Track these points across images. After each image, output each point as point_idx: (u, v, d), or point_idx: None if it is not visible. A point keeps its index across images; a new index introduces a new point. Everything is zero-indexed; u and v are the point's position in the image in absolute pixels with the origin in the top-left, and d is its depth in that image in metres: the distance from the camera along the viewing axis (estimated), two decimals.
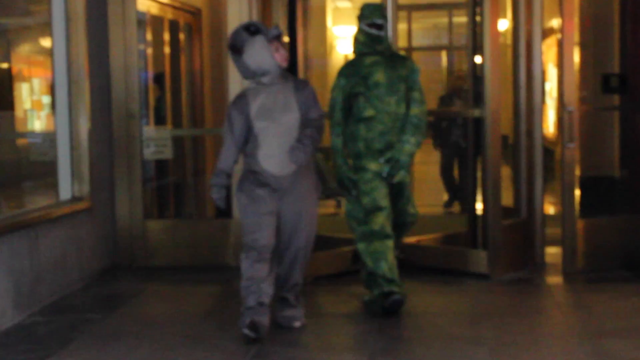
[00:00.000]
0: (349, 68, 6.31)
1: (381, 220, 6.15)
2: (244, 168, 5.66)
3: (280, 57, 5.53)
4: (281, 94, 5.55)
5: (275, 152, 5.52)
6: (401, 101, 6.18)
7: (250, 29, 5.53)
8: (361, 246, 6.22)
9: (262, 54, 5.48)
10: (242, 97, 5.60)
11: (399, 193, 6.33)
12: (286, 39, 7.28)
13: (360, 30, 6.30)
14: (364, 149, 6.21)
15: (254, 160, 5.56)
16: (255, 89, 5.58)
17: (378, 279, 6.11)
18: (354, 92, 6.21)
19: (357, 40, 6.34)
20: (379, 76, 6.17)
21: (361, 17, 6.28)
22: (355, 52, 6.35)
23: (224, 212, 7.46)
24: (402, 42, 9.41)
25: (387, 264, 6.12)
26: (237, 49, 5.51)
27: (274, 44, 5.52)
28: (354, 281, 6.76)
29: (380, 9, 6.30)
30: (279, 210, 5.62)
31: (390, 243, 6.17)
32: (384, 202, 6.18)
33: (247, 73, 5.56)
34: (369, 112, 6.17)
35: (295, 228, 5.66)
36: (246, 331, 5.40)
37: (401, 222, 6.40)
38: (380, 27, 6.23)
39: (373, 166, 6.19)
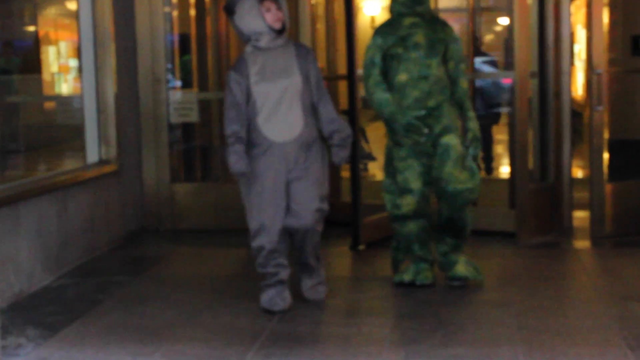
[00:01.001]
0: (387, 27, 5.88)
1: (412, 204, 5.78)
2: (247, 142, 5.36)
3: (272, 18, 5.21)
4: (281, 58, 5.27)
5: (275, 117, 5.24)
6: (441, 64, 5.78)
7: None
8: (395, 225, 5.91)
9: (251, 15, 5.21)
10: (241, 60, 5.32)
11: (443, 156, 5.75)
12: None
13: None
14: (399, 118, 5.74)
15: (253, 128, 5.25)
16: (253, 53, 5.28)
17: (410, 255, 5.91)
18: (390, 53, 5.79)
19: (394, 1, 5.95)
20: (419, 37, 5.76)
21: None
22: (392, 12, 5.97)
23: None
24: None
25: (421, 246, 5.88)
26: (230, 11, 5.28)
27: (266, 4, 5.22)
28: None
29: None
30: (287, 186, 5.30)
31: (425, 223, 5.86)
32: (416, 183, 5.77)
33: (243, 36, 5.31)
34: (401, 77, 5.75)
35: (304, 204, 5.29)
36: (267, 307, 5.33)
37: (451, 190, 5.73)
38: None
39: (407, 140, 5.77)
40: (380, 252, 6.70)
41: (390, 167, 5.90)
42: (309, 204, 5.28)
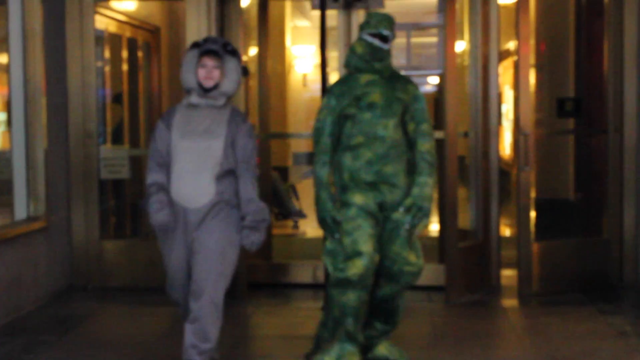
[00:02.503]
0: (341, 86, 5.40)
1: (360, 268, 5.14)
2: None
3: (204, 75, 4.93)
4: (209, 119, 4.94)
5: (185, 179, 4.88)
6: (398, 126, 5.28)
7: (198, 42, 5.07)
8: (333, 292, 5.26)
9: (186, 68, 4.99)
10: (171, 110, 5.07)
11: (393, 233, 5.29)
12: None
13: (360, 41, 5.40)
14: (349, 180, 5.28)
15: (168, 189, 4.95)
16: (186, 107, 5.01)
17: (340, 330, 5.29)
18: (344, 114, 5.32)
19: (354, 53, 5.41)
20: (375, 97, 5.29)
21: (365, 26, 5.41)
22: (349, 67, 5.45)
23: None
24: None
25: (355, 321, 5.25)
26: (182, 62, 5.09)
27: (203, 59, 4.95)
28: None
29: (389, 20, 5.42)
30: (192, 247, 4.95)
31: (366, 297, 5.24)
32: (366, 246, 5.16)
33: (183, 89, 5.07)
34: (357, 139, 5.26)
35: (205, 269, 4.87)
36: None
37: (396, 271, 5.27)
38: (385, 40, 5.37)
39: (358, 199, 5.23)
40: None
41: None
42: (204, 283, 4.87)
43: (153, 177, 4.98)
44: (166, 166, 4.96)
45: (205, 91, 4.96)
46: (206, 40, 5.06)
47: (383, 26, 5.35)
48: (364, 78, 5.37)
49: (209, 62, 4.95)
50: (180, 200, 4.90)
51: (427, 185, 5.24)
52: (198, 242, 4.89)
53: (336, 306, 5.26)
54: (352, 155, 5.28)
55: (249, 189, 4.96)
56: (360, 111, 5.28)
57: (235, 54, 5.05)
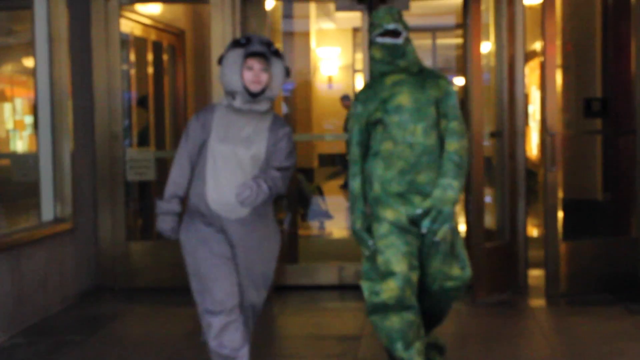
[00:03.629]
0: (367, 91, 5.04)
1: (395, 290, 4.78)
2: (188, 207, 4.73)
3: (251, 78, 4.55)
4: (251, 125, 4.60)
5: (226, 189, 4.53)
6: (430, 130, 4.86)
7: (240, 41, 4.64)
8: (374, 319, 4.88)
9: (231, 70, 4.57)
10: (209, 109, 4.71)
11: (431, 247, 4.90)
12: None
13: (373, 45, 5.04)
14: (380, 192, 4.88)
15: (199, 196, 4.61)
16: (226, 109, 4.64)
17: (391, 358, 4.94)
18: (372, 120, 4.95)
19: (373, 60, 5.06)
20: (403, 98, 4.88)
21: (371, 29, 5.05)
22: (373, 75, 5.10)
23: None
24: None
25: (406, 345, 4.81)
26: (220, 60, 4.68)
27: (249, 61, 4.56)
28: None
29: (391, 12, 5.02)
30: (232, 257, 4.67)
31: (412, 317, 4.81)
32: (399, 265, 4.78)
33: (225, 91, 4.69)
34: (386, 145, 4.88)
35: (243, 286, 4.69)
36: None
37: (436, 289, 4.94)
38: (396, 34, 4.95)
39: (390, 215, 4.85)
40: None
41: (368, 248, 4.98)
42: (251, 284, 4.72)
43: (175, 183, 4.67)
44: (192, 166, 4.65)
45: (251, 95, 4.57)
46: (249, 39, 4.64)
47: (386, 21, 4.95)
48: (390, 79, 4.98)
49: (257, 64, 4.56)
50: (219, 210, 4.56)
51: (450, 188, 4.81)
52: (241, 261, 4.65)
53: (381, 333, 4.87)
54: (385, 165, 4.88)
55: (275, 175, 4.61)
56: (387, 115, 4.88)
57: (280, 55, 4.69)
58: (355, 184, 4.98)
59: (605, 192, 8.78)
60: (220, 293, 4.57)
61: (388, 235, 4.83)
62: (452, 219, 4.84)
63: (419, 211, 4.84)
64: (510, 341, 6.05)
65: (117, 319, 6.81)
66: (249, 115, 4.60)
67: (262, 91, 4.58)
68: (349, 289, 7.51)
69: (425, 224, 4.81)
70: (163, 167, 8.71)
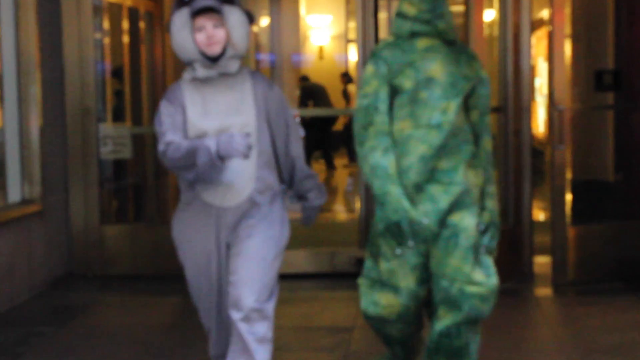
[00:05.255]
0: (392, 49, 4.35)
1: (397, 307, 4.38)
2: (180, 202, 4.38)
3: (204, 40, 4.06)
4: (229, 91, 4.19)
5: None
6: (462, 110, 4.33)
7: None
8: (372, 324, 4.60)
9: (180, 36, 4.09)
10: (175, 88, 4.27)
11: (450, 242, 4.29)
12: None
13: (405, 2, 4.39)
14: None
15: (191, 190, 4.24)
16: (193, 83, 4.21)
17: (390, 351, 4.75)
18: (395, 87, 4.31)
19: (403, 17, 4.38)
20: (436, 69, 4.29)
21: None
22: (400, 34, 4.41)
23: None
24: (382, 33, 9.41)
25: (405, 350, 4.63)
26: (168, 27, 4.20)
27: (199, 20, 4.06)
28: None
29: None
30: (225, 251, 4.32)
31: (412, 328, 4.55)
32: (406, 280, 4.32)
33: (183, 62, 4.23)
34: (403, 125, 4.29)
35: (238, 274, 4.23)
36: None
37: (455, 293, 4.28)
38: None
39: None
40: None
41: (373, 246, 4.47)
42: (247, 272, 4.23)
43: (169, 137, 4.14)
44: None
45: (211, 60, 4.11)
46: None
47: None
48: (422, 42, 4.34)
49: (207, 22, 4.06)
50: (213, 199, 4.20)
51: (495, 197, 4.44)
52: (236, 247, 4.26)
53: (379, 334, 4.64)
54: (400, 151, 4.29)
55: (302, 166, 4.40)
56: (416, 87, 4.28)
57: (234, 1, 4.15)
58: (387, 160, 4.24)
59: (617, 172, 8.77)
60: (200, 304, 4.46)
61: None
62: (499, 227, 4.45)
63: (481, 227, 4.33)
64: (514, 332, 6.05)
65: (90, 309, 6.80)
66: (220, 81, 4.17)
67: (224, 52, 4.11)
68: (341, 278, 7.50)
69: (485, 241, 4.33)
70: (140, 144, 8.69)
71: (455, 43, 4.43)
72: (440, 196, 4.28)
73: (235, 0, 4.15)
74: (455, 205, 4.29)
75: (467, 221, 4.28)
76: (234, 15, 4.10)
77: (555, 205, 7.36)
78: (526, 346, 5.82)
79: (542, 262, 7.81)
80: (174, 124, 4.15)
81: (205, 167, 4.03)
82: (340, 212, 10.92)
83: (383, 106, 4.28)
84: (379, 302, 4.41)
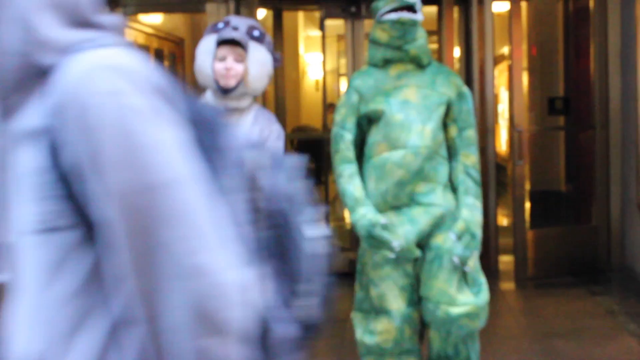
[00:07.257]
0: (364, 78, 3.89)
1: (392, 332, 3.87)
2: None
3: (222, 71, 3.39)
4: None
5: None
6: (438, 132, 3.81)
7: (217, 25, 3.49)
8: (368, 358, 4.01)
9: (202, 60, 3.46)
10: None
11: (433, 264, 3.80)
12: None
13: (379, 26, 3.81)
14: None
15: None
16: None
17: None
18: (368, 113, 3.84)
19: (376, 43, 3.86)
20: (410, 92, 3.81)
21: (376, 11, 3.84)
22: (374, 62, 3.92)
23: None
24: None
25: None
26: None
27: (222, 50, 3.41)
28: None
29: None
30: None
31: (413, 358, 3.96)
32: (396, 302, 3.85)
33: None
34: (381, 152, 3.81)
35: None
36: None
37: (440, 316, 3.77)
38: (413, 9, 3.74)
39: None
40: None
41: (363, 276, 3.98)
42: None
43: None
44: None
45: (224, 92, 3.44)
46: (227, 22, 3.46)
47: None
48: (395, 69, 3.87)
49: (230, 54, 3.40)
50: None
51: (476, 209, 3.83)
52: None
53: None
54: (377, 176, 3.81)
55: None
56: (390, 111, 3.78)
57: (262, 40, 3.44)
58: (352, 186, 3.81)
59: (568, 183, 8.76)
60: None
61: (383, 265, 3.85)
62: (480, 244, 3.87)
63: (452, 236, 3.77)
64: None
65: None
66: (229, 113, 3.49)
67: (237, 86, 3.42)
68: (337, 277, 7.45)
69: (458, 250, 3.74)
70: None
71: (432, 66, 3.94)
72: (420, 217, 3.80)
73: (265, 39, 3.46)
74: (437, 227, 3.83)
75: (450, 243, 3.76)
76: (257, 54, 3.41)
77: (516, 212, 7.34)
78: (493, 332, 5.78)
79: (505, 260, 7.77)
80: None
81: None
82: (332, 221, 10.87)
83: (348, 135, 3.86)
84: (374, 329, 3.90)
